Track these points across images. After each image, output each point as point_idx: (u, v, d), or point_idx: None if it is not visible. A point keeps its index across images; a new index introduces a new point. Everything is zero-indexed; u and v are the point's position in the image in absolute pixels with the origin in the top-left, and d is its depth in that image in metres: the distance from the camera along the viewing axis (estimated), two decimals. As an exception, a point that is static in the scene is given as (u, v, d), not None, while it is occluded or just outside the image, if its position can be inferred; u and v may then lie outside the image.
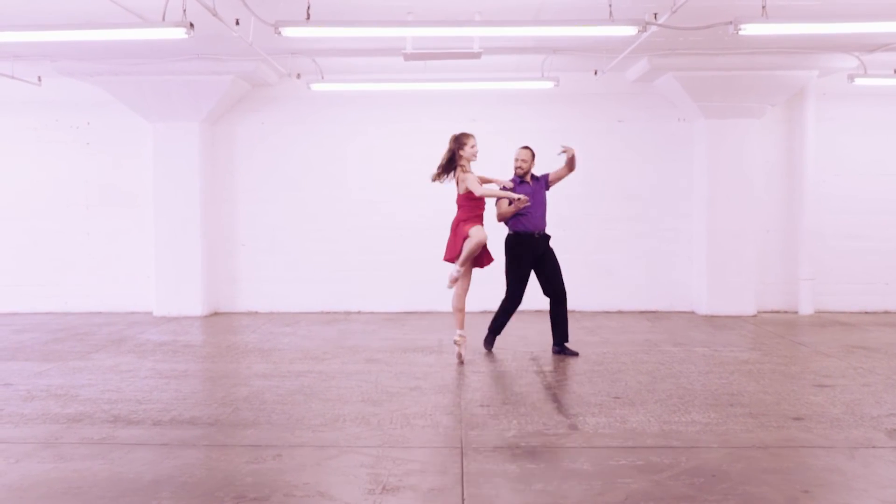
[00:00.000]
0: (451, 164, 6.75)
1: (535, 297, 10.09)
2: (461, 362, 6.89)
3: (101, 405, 5.51)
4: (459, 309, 6.88)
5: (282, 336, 8.43)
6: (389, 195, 10.09)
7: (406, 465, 4.19)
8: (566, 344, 7.28)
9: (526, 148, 7.24)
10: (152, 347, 7.79)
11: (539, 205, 7.14)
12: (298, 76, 9.72)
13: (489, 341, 7.44)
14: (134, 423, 5.07)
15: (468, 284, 6.90)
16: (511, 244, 7.21)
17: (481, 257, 6.86)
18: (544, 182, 7.28)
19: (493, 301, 9.95)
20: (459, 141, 6.74)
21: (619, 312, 10.09)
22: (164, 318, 9.81)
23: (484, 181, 6.89)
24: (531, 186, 7.15)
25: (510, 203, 6.89)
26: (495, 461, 4.26)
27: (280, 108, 10.24)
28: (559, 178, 7.31)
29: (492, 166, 9.80)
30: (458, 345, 6.90)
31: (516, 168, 7.18)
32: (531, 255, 7.18)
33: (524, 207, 6.92)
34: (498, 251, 7.14)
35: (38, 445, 4.60)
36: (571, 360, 6.99)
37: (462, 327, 6.91)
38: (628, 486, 3.88)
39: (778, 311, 10.13)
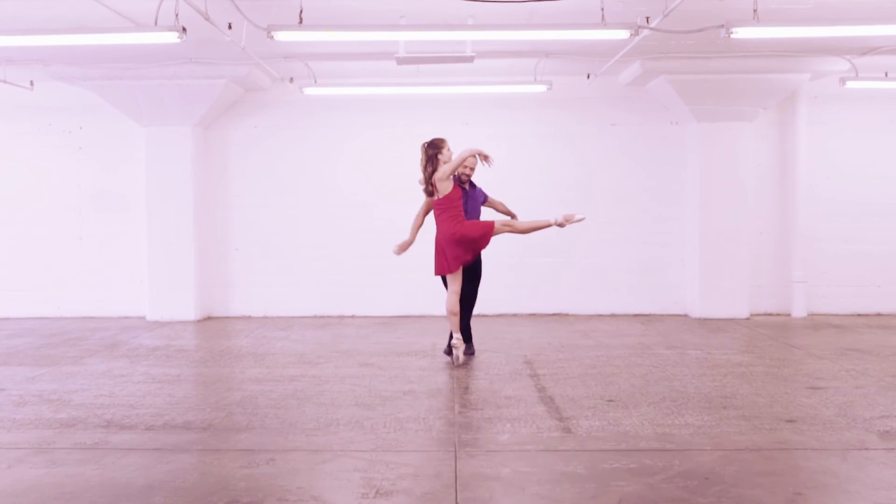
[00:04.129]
0: (431, 170, 6.74)
1: (529, 300, 10.16)
2: (458, 365, 6.90)
3: (93, 410, 5.49)
4: (455, 312, 6.88)
5: (275, 340, 8.41)
6: (383, 199, 10.08)
7: (400, 469, 4.19)
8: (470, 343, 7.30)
9: (474, 156, 7.02)
10: (145, 352, 7.77)
11: (471, 212, 7.00)
12: (291, 80, 9.74)
13: (468, 348, 7.30)
14: (127, 427, 5.05)
15: (458, 286, 6.90)
16: None
17: (468, 250, 6.79)
18: (481, 196, 7.20)
19: (485, 305, 10.02)
20: (436, 146, 6.76)
21: (613, 315, 10.11)
22: (158, 322, 9.79)
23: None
24: (468, 193, 7.05)
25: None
26: (489, 465, 4.26)
27: (273, 112, 10.23)
28: (495, 208, 7.37)
29: (486, 169, 9.83)
30: (456, 347, 6.91)
31: (461, 173, 6.94)
32: None
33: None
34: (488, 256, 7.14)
35: (31, 451, 4.58)
36: (566, 364, 7.00)
37: (458, 330, 6.92)
38: (622, 488, 3.88)
39: (771, 314, 10.15)
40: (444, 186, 6.69)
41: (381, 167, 10.10)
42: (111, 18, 6.96)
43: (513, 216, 7.31)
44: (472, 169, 7.00)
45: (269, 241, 10.27)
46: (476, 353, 7.30)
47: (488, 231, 6.73)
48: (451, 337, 7.04)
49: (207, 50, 8.53)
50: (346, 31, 6.77)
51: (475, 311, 7.18)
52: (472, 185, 7.15)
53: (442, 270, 6.81)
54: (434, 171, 6.70)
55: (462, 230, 6.69)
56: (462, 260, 6.79)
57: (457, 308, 6.89)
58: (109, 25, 7.04)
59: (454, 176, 6.85)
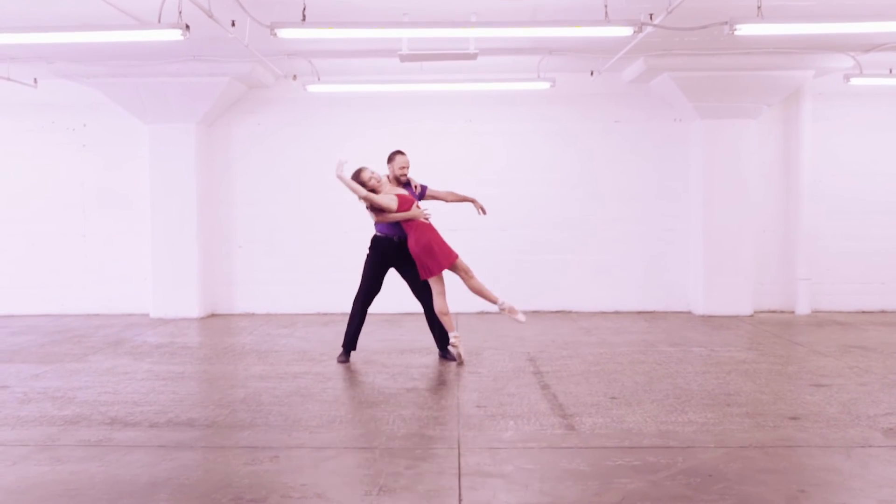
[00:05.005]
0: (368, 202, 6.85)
1: (533, 298, 10.15)
2: (461, 363, 6.90)
3: (97, 407, 5.50)
4: (444, 312, 6.84)
5: (279, 337, 8.42)
6: (386, 196, 10.06)
7: (403, 466, 4.19)
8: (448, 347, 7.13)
9: (404, 154, 7.10)
10: (149, 349, 7.79)
11: None
12: (294, 78, 9.74)
13: (345, 356, 7.17)
14: (131, 425, 5.06)
15: (443, 287, 6.84)
16: (371, 244, 7.13)
17: (437, 259, 6.75)
18: (421, 192, 7.14)
19: (488, 303, 10.00)
20: (359, 178, 6.88)
21: (616, 313, 10.10)
22: (161, 319, 9.80)
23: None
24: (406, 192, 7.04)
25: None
26: (492, 462, 4.26)
27: (276, 109, 10.23)
28: (444, 199, 7.26)
29: (490, 167, 9.83)
30: (456, 346, 6.91)
31: (400, 175, 7.00)
32: (384, 257, 7.05)
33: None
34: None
35: (35, 448, 4.59)
36: (569, 361, 7.00)
37: (453, 328, 6.91)
38: (625, 486, 3.88)
39: (775, 311, 10.14)
40: (388, 200, 6.76)
41: (384, 165, 10.05)
42: (115, 16, 6.96)
43: (471, 201, 7.17)
44: (406, 168, 7.03)
45: (272, 239, 10.28)
46: (457, 356, 7.01)
47: (448, 259, 6.74)
48: (438, 346, 7.12)
49: (211, 47, 8.53)
50: (350, 28, 6.76)
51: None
52: (408, 183, 7.10)
53: (424, 275, 6.81)
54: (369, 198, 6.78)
55: (432, 237, 6.73)
56: (432, 265, 6.72)
57: (446, 308, 6.83)
58: (113, 23, 7.05)
59: (392, 179, 7.03)
